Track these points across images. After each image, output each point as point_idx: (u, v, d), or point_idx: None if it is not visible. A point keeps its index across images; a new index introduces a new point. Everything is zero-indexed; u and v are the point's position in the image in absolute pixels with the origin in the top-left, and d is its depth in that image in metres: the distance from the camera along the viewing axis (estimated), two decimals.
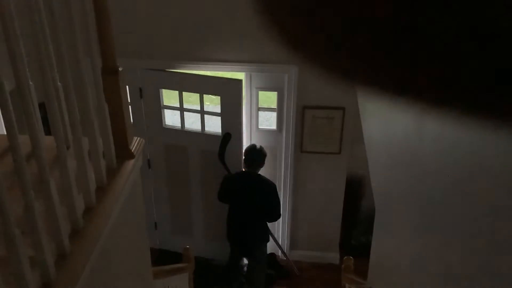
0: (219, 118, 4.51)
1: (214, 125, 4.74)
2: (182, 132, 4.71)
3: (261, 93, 4.58)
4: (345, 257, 3.53)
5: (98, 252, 1.67)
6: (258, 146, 4.20)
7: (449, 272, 1.49)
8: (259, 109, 4.65)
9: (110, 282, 1.92)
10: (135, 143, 2.07)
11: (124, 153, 1.98)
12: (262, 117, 4.83)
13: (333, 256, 5.10)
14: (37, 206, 1.33)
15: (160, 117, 4.63)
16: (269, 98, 5.11)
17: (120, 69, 1.88)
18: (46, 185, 1.43)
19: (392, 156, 2.66)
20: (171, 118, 4.98)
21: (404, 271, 2.37)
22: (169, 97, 4.99)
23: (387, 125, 2.71)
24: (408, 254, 2.27)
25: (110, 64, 1.84)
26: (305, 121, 4.49)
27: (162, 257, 4.89)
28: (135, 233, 2.24)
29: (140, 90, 4.50)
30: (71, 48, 1.61)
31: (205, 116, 4.56)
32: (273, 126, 4.72)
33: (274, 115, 4.69)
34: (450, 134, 1.31)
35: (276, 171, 4.84)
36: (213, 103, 4.97)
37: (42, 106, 1.76)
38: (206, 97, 4.48)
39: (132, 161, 2.00)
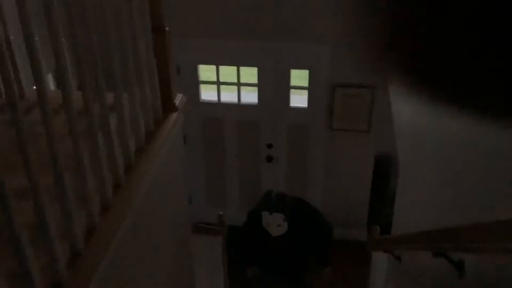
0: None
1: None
2: (218, 105, 4.97)
3: (293, 71, 4.73)
4: (371, 225, 3.63)
5: (146, 189, 1.86)
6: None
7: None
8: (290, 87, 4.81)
9: (150, 232, 2.11)
10: (179, 99, 2.27)
11: (168, 106, 2.18)
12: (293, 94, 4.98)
13: (361, 234, 5.21)
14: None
15: (197, 93, 4.88)
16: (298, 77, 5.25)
17: (166, 28, 2.09)
18: (106, 125, 1.64)
19: (418, 138, 2.91)
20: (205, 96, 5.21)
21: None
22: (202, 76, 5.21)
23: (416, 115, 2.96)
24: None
25: (158, 23, 2.05)
26: (335, 100, 4.62)
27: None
28: (175, 177, 2.41)
29: (178, 68, 4.73)
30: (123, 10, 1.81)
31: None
32: (304, 104, 4.87)
33: (305, 93, 4.84)
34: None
35: (308, 149, 5.00)
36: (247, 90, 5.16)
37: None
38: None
39: (175, 114, 2.20)
